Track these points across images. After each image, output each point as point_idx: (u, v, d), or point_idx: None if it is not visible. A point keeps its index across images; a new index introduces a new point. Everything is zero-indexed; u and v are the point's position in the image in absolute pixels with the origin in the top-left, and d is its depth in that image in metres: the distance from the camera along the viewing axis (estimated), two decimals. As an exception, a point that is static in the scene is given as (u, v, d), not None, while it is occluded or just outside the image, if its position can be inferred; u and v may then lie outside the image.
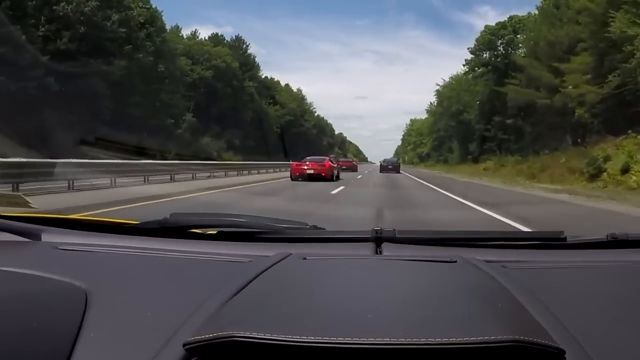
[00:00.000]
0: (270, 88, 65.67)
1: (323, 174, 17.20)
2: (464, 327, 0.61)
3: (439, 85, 54.24)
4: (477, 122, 42.38)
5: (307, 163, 17.93)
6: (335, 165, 20.03)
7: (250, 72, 56.07)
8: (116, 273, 0.96)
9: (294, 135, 70.55)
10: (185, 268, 1.02)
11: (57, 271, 0.88)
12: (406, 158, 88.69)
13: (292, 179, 17.19)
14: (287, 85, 72.17)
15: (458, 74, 50.83)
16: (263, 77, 65.54)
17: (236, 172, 22.07)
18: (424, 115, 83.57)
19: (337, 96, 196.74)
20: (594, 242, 1.21)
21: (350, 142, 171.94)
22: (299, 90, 75.99)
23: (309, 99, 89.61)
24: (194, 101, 45.37)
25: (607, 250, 1.19)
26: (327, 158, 20.04)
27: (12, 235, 1.22)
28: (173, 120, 41.61)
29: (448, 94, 50.20)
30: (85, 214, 5.38)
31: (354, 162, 41.94)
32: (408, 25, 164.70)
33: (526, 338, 0.58)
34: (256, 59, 65.07)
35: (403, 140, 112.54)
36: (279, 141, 63.01)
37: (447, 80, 53.10)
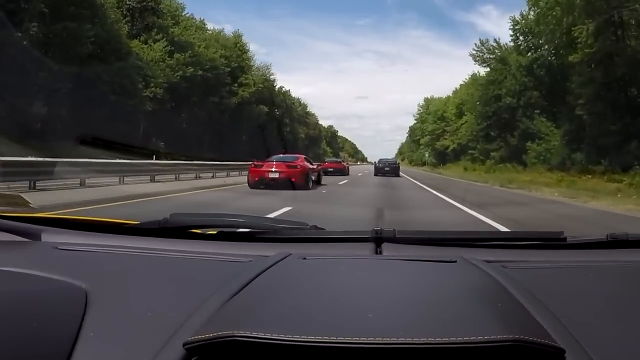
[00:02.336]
0: (157, 13, 32.81)
1: (293, 180, 12.06)
2: (464, 326, 0.62)
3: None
4: None
5: (273, 163, 12.75)
6: (315, 167, 14.61)
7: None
8: (116, 273, 0.96)
9: (216, 111, 37.43)
10: (185, 268, 1.02)
11: (57, 271, 0.87)
12: (426, 156, 55.54)
13: (250, 186, 12.35)
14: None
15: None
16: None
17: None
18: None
19: (338, 96, 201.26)
20: (593, 242, 1.20)
21: (346, 139, 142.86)
22: (237, 35, 43.54)
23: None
24: None
25: (607, 250, 1.18)
26: (303, 157, 14.31)
27: (12, 235, 1.21)
28: None
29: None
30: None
31: (344, 164, 29.33)
32: (410, 25, 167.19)
33: (526, 337, 0.58)
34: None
35: (411, 133, 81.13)
36: (170, 119, 30.84)
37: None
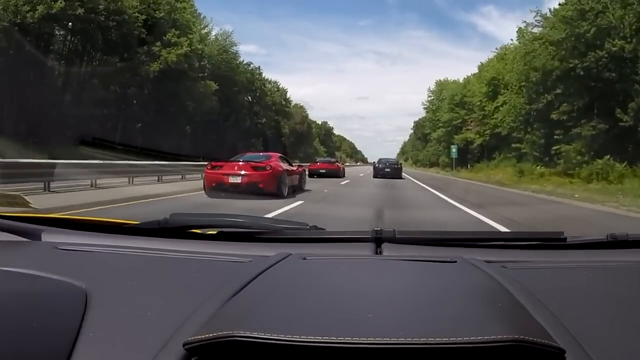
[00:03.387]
0: None
1: (261, 185, 9.19)
2: (464, 327, 0.62)
3: None
4: None
5: (238, 164, 9.66)
6: (294, 169, 11.20)
7: None
8: (116, 273, 0.96)
9: (133, 84, 22.98)
10: (185, 268, 1.02)
11: (57, 271, 0.88)
12: (453, 151, 41.57)
13: (207, 194, 9.36)
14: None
15: None
16: None
17: None
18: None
19: (338, 97, 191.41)
20: (593, 243, 1.20)
21: (344, 138, 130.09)
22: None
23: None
24: None
25: (607, 251, 1.18)
26: (277, 155, 10.91)
27: (12, 235, 1.21)
28: None
29: None
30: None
31: (338, 164, 23.96)
32: (411, 25, 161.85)
33: (526, 338, 0.58)
34: None
35: (416, 128, 68.21)
36: (33, 90, 14.43)
37: None
